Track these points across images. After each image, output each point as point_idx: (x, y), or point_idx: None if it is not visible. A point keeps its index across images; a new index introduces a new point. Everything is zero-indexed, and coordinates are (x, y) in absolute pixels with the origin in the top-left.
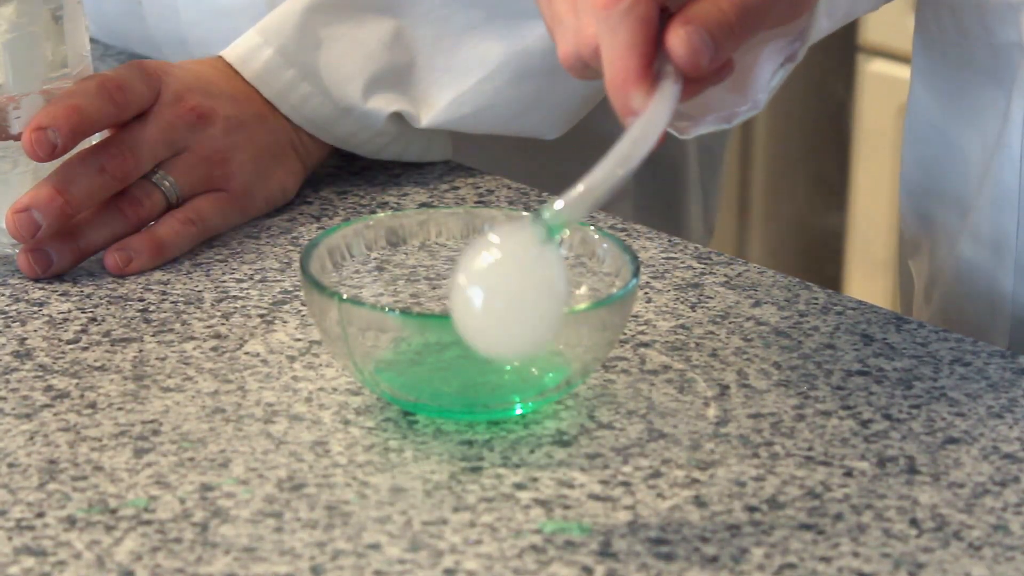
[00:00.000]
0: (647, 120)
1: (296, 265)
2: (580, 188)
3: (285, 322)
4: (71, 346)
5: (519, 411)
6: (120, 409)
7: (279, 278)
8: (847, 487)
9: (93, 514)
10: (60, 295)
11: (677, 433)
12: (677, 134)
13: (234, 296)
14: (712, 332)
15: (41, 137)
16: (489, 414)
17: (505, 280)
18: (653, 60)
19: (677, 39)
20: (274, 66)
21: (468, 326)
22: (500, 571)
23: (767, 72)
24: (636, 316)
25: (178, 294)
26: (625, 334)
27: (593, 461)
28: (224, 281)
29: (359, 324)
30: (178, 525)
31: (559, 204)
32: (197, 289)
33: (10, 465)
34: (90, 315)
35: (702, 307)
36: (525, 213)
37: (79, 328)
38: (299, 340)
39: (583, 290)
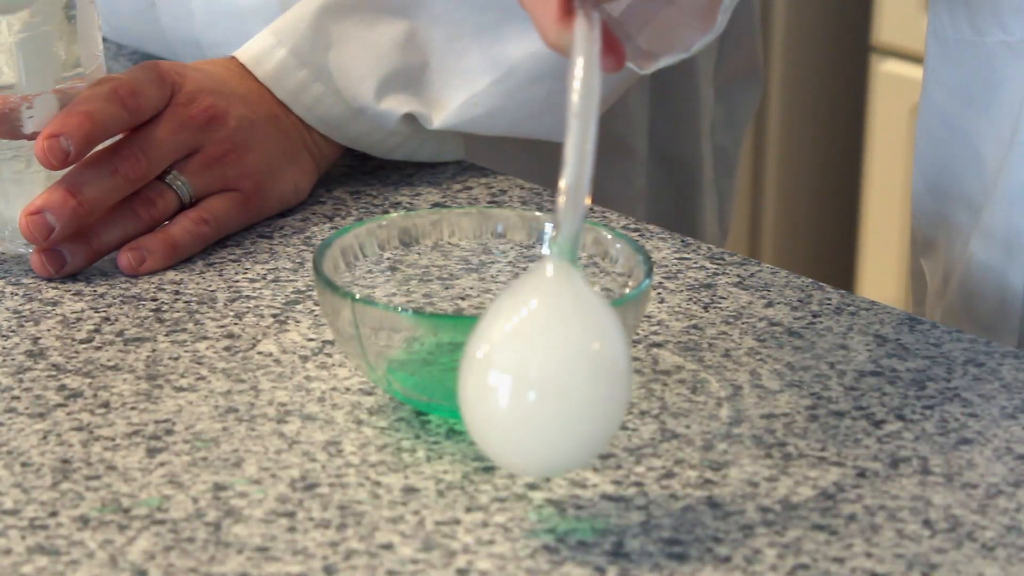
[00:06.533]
0: (582, 60)
1: (309, 265)
2: (562, 196)
3: (298, 322)
4: (84, 346)
5: None
6: (133, 409)
7: (292, 278)
8: (860, 488)
9: (106, 513)
10: (73, 295)
11: (690, 433)
12: (638, 70)
13: (247, 296)
14: (725, 332)
15: (54, 145)
16: None
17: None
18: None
19: None
20: (287, 66)
21: (492, 433)
22: (513, 571)
23: None
24: (649, 316)
25: (191, 294)
26: (638, 334)
27: (606, 461)
28: (237, 281)
29: (372, 324)
30: (191, 525)
31: (557, 236)
32: (210, 289)
33: (24, 464)
34: (103, 315)
35: (715, 307)
36: (538, 213)
37: (92, 328)
38: (312, 340)
39: (596, 290)
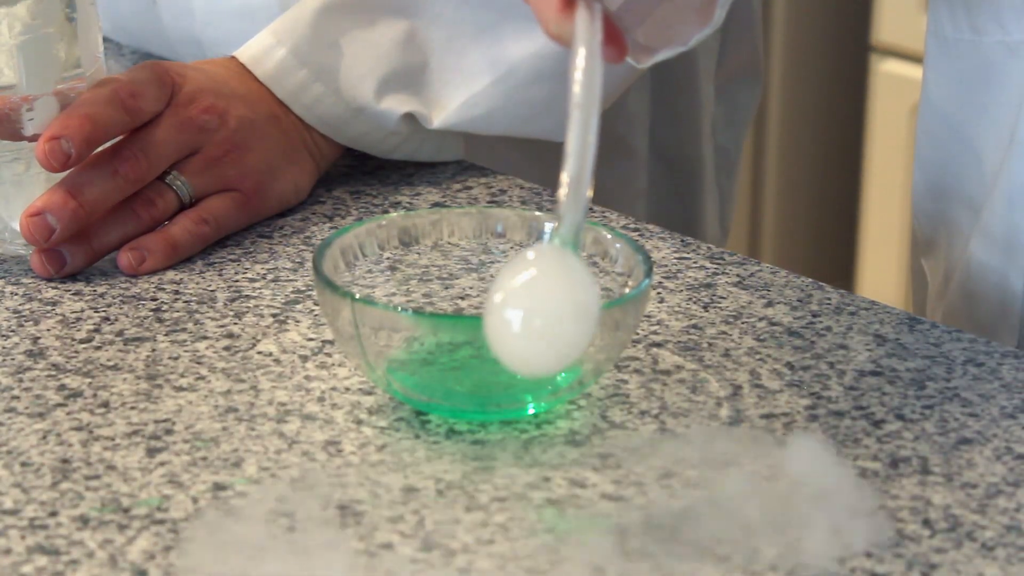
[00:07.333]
0: (583, 51)
1: (309, 265)
2: (564, 187)
3: (298, 322)
4: (84, 345)
5: (531, 411)
6: (133, 408)
7: (292, 278)
8: (860, 487)
9: (106, 513)
10: (73, 294)
11: (689, 433)
12: (636, 64)
13: (247, 296)
14: (725, 332)
15: (55, 147)
16: (501, 414)
17: (541, 302)
18: None
19: None
20: (287, 66)
21: (504, 346)
22: (513, 571)
23: None
24: (649, 316)
25: (191, 293)
26: (638, 334)
27: (606, 461)
28: (237, 281)
29: (372, 324)
30: (191, 524)
31: (560, 226)
32: (210, 289)
33: (23, 464)
34: (103, 314)
35: (715, 307)
36: (538, 213)
37: (92, 327)
38: (312, 340)
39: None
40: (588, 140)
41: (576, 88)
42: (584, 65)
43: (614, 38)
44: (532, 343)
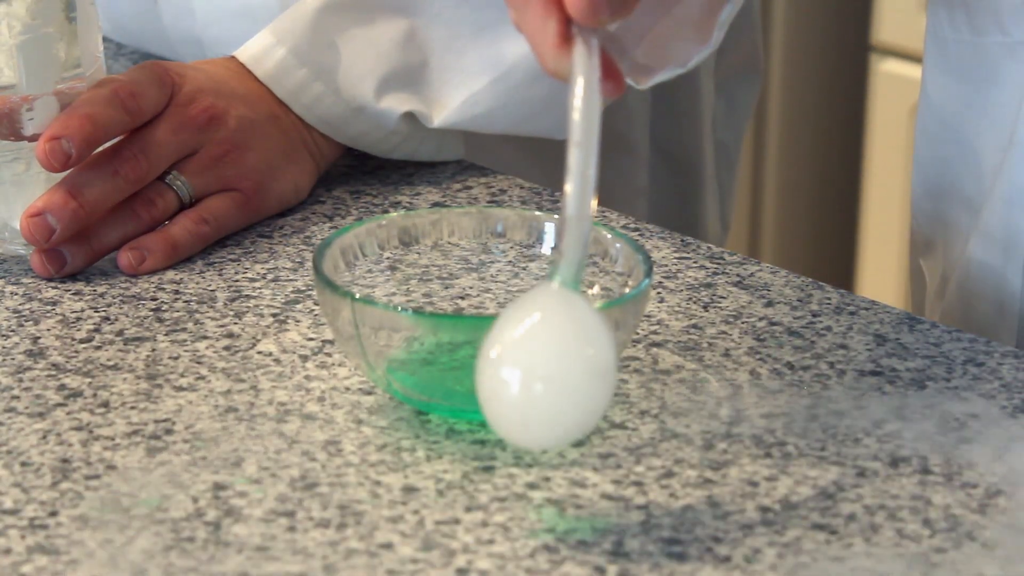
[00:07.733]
0: (581, 87)
1: (309, 264)
2: (565, 226)
3: (298, 321)
4: (84, 345)
5: None
6: (133, 408)
7: (292, 277)
8: (860, 487)
9: (106, 513)
10: (73, 294)
11: (690, 433)
12: (636, 85)
13: (247, 295)
14: (725, 332)
15: (55, 147)
16: None
17: (544, 359)
18: (567, 24)
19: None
20: (287, 66)
21: (500, 414)
22: (513, 571)
23: (725, 12)
24: (649, 316)
25: (191, 293)
26: (638, 334)
27: (606, 461)
28: (237, 280)
29: (372, 323)
30: (191, 524)
31: (560, 264)
32: (210, 288)
33: (23, 464)
34: (103, 314)
35: (714, 307)
36: (538, 213)
37: (92, 327)
38: (312, 339)
39: (595, 290)
40: (588, 175)
41: (575, 124)
42: (583, 99)
43: (611, 72)
44: (534, 410)
